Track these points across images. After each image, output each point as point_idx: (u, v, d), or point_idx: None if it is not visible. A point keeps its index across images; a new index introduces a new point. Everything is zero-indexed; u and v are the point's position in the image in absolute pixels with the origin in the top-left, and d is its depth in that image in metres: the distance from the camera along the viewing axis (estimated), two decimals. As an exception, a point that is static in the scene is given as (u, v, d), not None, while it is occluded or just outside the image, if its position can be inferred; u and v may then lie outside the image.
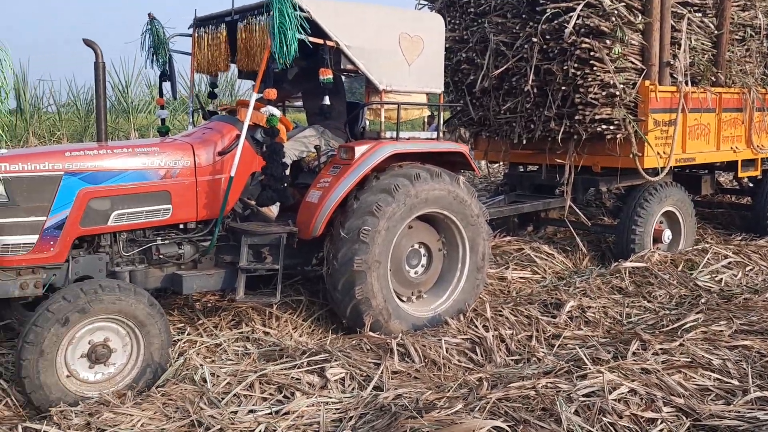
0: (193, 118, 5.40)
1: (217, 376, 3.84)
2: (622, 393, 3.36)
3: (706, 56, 6.30)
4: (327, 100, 4.31)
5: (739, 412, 3.27)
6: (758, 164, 7.12)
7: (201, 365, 3.93)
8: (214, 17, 4.66)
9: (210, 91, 5.42)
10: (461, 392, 3.47)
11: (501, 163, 7.30)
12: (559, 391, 3.36)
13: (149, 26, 4.87)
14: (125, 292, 3.67)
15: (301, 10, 4.04)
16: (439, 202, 4.66)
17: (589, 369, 3.62)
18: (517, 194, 6.88)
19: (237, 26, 4.31)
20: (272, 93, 4.04)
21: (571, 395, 3.33)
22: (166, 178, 4.13)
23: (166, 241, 4.27)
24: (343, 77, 5.11)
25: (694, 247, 6.44)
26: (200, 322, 4.71)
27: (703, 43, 6.26)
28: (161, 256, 4.25)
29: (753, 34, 6.73)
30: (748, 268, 5.97)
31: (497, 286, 5.74)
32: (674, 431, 3.05)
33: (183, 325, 4.67)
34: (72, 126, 16.53)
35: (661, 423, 3.14)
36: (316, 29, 4.17)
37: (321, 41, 4.18)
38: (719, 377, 3.67)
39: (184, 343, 4.40)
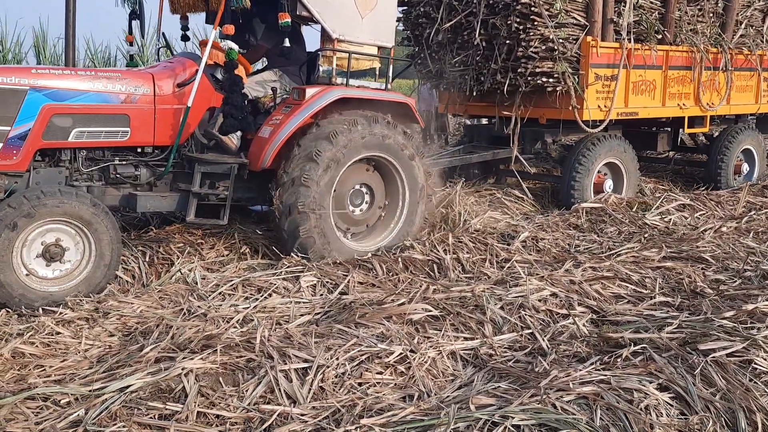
0: (158, 54, 5.83)
1: (208, 279, 4.52)
2: (544, 295, 3.99)
3: (653, 15, 6.60)
4: (287, 42, 4.73)
5: (640, 311, 3.88)
6: (706, 121, 7.40)
7: (194, 271, 4.61)
8: None
9: (183, 34, 5.76)
10: (410, 294, 4.12)
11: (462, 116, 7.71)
12: (493, 295, 3.99)
13: None
14: (67, 195, 4.03)
15: None
16: (377, 145, 4.98)
17: (523, 279, 4.24)
18: (473, 145, 7.22)
19: None
20: (230, 29, 4.50)
21: (502, 297, 3.96)
22: (126, 102, 4.49)
23: (124, 162, 4.63)
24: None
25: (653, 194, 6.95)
26: (199, 242, 5.36)
27: (651, 2, 6.57)
28: (118, 176, 4.62)
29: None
30: (698, 213, 6.49)
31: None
32: (577, 322, 3.66)
33: (183, 245, 5.33)
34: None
35: (570, 318, 3.75)
36: None
37: None
38: (635, 288, 4.27)
39: (185, 256, 5.03)
